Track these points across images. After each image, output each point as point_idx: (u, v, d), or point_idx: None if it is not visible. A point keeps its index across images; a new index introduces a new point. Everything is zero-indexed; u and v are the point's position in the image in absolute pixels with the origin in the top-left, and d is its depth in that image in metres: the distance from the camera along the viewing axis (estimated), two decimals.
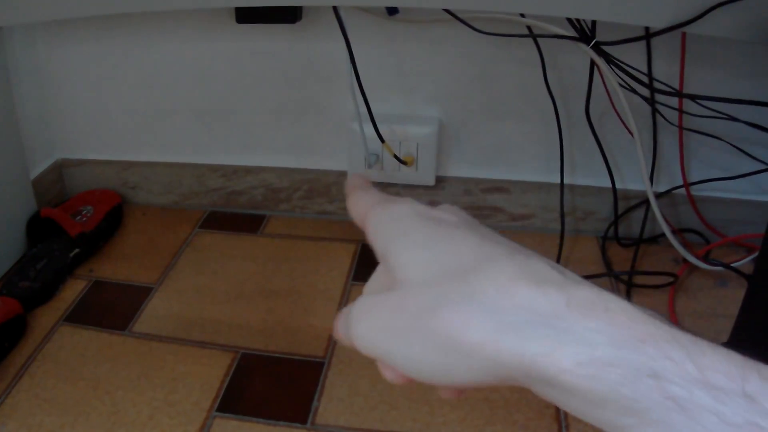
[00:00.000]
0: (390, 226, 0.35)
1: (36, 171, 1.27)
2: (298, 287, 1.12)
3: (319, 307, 1.07)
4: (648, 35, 1.01)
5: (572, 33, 0.98)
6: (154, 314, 1.06)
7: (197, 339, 1.00)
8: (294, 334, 1.01)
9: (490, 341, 0.27)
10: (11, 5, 1.01)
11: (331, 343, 0.99)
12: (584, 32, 0.98)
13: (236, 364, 0.96)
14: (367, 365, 0.94)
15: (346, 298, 1.08)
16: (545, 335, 0.26)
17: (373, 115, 1.09)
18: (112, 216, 1.27)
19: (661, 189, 1.18)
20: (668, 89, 1.05)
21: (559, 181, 1.17)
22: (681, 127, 1.10)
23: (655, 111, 1.10)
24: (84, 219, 1.21)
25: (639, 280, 1.11)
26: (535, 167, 1.21)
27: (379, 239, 0.35)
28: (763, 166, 1.11)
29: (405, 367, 0.31)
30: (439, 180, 1.23)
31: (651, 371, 0.24)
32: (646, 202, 1.16)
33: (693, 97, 1.01)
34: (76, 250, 1.16)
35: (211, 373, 0.94)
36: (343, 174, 1.25)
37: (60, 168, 1.33)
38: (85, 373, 0.94)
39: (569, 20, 0.97)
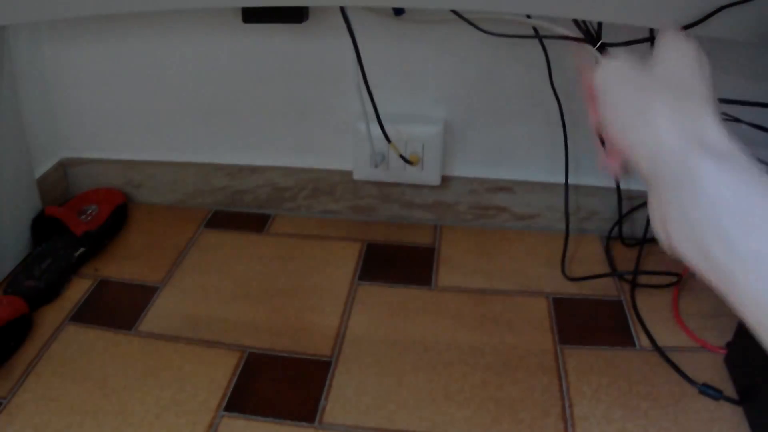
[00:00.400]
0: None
1: (40, 170, 1.27)
2: (304, 286, 1.12)
3: (325, 306, 1.07)
4: (653, 37, 1.01)
5: (578, 34, 0.99)
6: (160, 313, 1.06)
7: (204, 338, 1.00)
8: (301, 333, 1.02)
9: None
10: (15, 3, 1.01)
11: (338, 343, 0.99)
12: (590, 33, 0.98)
13: (243, 363, 0.96)
14: (374, 364, 0.95)
15: (352, 298, 1.09)
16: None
17: (379, 115, 1.09)
18: (117, 215, 1.26)
19: None
20: None
21: (563, 181, 1.17)
22: None
23: None
24: (89, 218, 1.21)
25: (643, 279, 1.11)
26: (539, 167, 1.21)
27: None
28: (767, 168, 1.12)
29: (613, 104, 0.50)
30: (445, 179, 1.24)
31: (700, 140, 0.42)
32: None
33: None
34: (82, 249, 1.16)
35: (218, 372, 0.94)
36: (348, 174, 1.26)
37: (64, 167, 1.33)
38: (92, 372, 0.94)
39: (575, 21, 0.97)
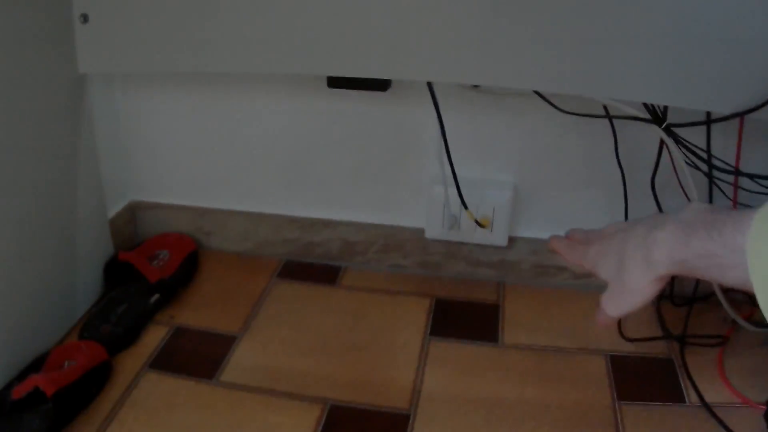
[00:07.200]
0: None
1: (110, 212, 1.28)
2: (378, 341, 1.16)
3: (400, 362, 1.11)
4: (709, 120, 1.06)
5: (645, 115, 1.05)
6: (240, 364, 1.09)
7: (285, 390, 1.04)
8: (378, 387, 1.06)
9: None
10: (99, 54, 1.04)
11: (414, 397, 1.04)
12: (656, 114, 1.05)
13: (326, 415, 0.99)
14: (450, 418, 0.99)
15: (425, 354, 1.13)
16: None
17: (458, 182, 1.15)
18: (189, 262, 1.29)
19: None
20: (726, 167, 1.12)
21: None
22: (735, 202, 1.17)
23: (712, 186, 1.17)
24: (160, 263, 1.24)
25: (691, 338, 1.17)
26: None
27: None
28: None
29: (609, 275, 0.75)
30: (510, 240, 1.29)
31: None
32: None
33: (749, 176, 1.09)
34: (157, 296, 1.18)
35: (302, 424, 0.97)
36: (417, 231, 1.30)
37: (133, 210, 1.36)
38: (176, 422, 0.97)
39: (643, 103, 1.04)
